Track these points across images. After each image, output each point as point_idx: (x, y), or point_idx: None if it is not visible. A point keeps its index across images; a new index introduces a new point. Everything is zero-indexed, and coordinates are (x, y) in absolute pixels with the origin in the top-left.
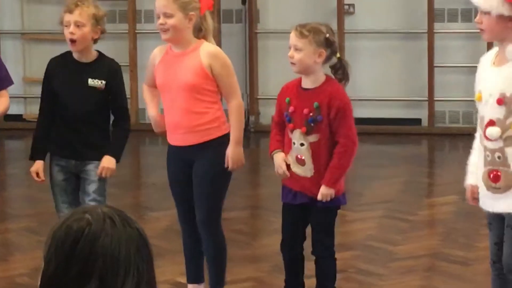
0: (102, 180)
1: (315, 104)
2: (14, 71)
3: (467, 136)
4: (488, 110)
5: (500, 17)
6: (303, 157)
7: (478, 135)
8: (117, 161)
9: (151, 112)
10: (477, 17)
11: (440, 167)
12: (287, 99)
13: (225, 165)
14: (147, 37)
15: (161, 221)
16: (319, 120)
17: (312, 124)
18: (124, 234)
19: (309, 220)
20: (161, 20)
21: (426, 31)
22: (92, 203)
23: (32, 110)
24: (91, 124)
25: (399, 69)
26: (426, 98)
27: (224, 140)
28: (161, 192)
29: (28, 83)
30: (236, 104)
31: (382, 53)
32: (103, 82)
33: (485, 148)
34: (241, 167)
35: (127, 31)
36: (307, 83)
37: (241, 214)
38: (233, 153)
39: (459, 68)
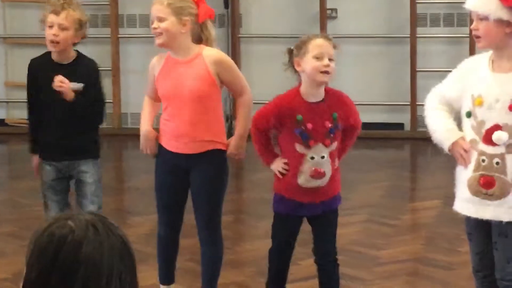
0: (98, 181)
1: (334, 114)
2: None
3: None
4: (494, 115)
5: (499, 22)
6: (323, 170)
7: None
8: (77, 107)
9: (145, 126)
10: (474, 24)
11: (423, 172)
12: (299, 116)
13: (225, 175)
14: (130, 42)
15: (144, 226)
16: (339, 128)
17: (332, 135)
18: (107, 242)
19: (315, 228)
20: (154, 24)
21: (408, 35)
22: (92, 206)
23: (15, 115)
24: (77, 124)
25: (381, 73)
26: (409, 103)
27: (222, 153)
28: (144, 196)
29: (10, 87)
30: (249, 97)
31: (364, 57)
32: (82, 85)
33: (481, 153)
34: (240, 157)
35: (109, 36)
36: (309, 97)
37: (224, 219)
38: (236, 144)
39: (441, 72)
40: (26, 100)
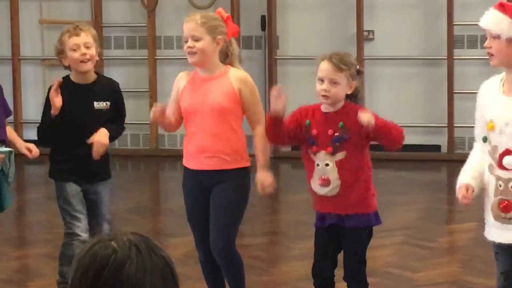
0: (108, 199)
1: (340, 124)
2: (34, 96)
3: None
4: (505, 139)
5: (510, 41)
6: (328, 177)
7: (485, 161)
8: (110, 141)
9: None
10: (487, 42)
11: None
12: (308, 122)
13: (245, 195)
14: (167, 63)
15: (180, 247)
16: (346, 138)
17: (337, 144)
18: (149, 262)
19: (341, 244)
20: (189, 43)
21: (445, 57)
22: (105, 224)
23: None
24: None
25: (418, 95)
26: (446, 125)
27: (244, 171)
28: (180, 218)
29: None
30: (262, 130)
31: (401, 79)
32: (108, 103)
33: (498, 178)
34: (271, 191)
35: (147, 57)
36: (328, 108)
37: (260, 241)
38: (264, 177)
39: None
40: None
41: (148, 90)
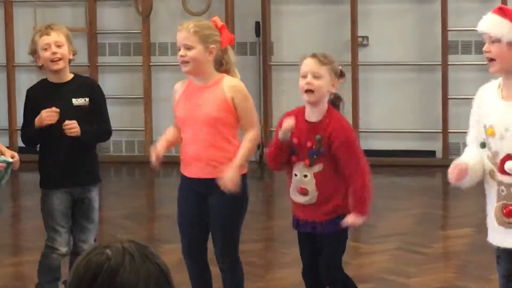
0: (97, 205)
1: (318, 137)
2: None
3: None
4: (505, 144)
5: (511, 44)
6: (306, 187)
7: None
8: (81, 137)
9: (158, 145)
10: (486, 46)
11: (455, 200)
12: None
13: (243, 202)
14: (161, 70)
15: (174, 254)
16: (321, 152)
17: (314, 157)
18: (143, 270)
19: (319, 248)
20: (181, 52)
21: (440, 63)
22: (94, 230)
23: None
24: (83, 145)
25: (413, 101)
26: (440, 130)
27: (242, 178)
28: (175, 224)
29: None
30: (254, 134)
31: (396, 85)
32: (87, 99)
33: (500, 183)
34: (233, 190)
35: (141, 64)
36: (310, 116)
37: (254, 247)
38: (232, 175)
39: (473, 100)
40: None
41: (142, 96)
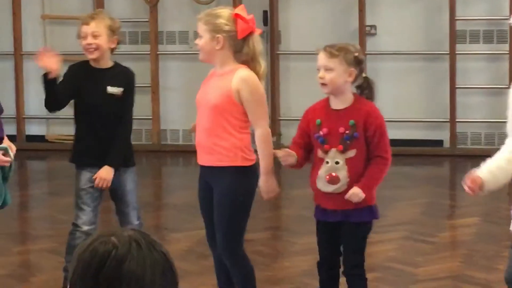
0: (135, 187)
1: (351, 122)
2: (36, 92)
3: (489, 157)
4: None
5: None
6: (337, 175)
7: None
8: (115, 170)
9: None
10: None
11: (462, 189)
12: (318, 121)
13: (241, 196)
14: (169, 59)
15: (181, 243)
16: (356, 136)
17: (348, 142)
18: (149, 258)
19: (342, 239)
20: (196, 40)
21: (448, 52)
22: (133, 212)
23: (55, 131)
24: (114, 131)
25: (420, 90)
26: (448, 120)
27: (244, 170)
28: (182, 213)
29: None
30: (262, 132)
31: (403, 74)
32: (121, 89)
33: None
34: (275, 196)
35: (149, 52)
36: (337, 104)
37: (261, 236)
38: (264, 184)
39: (480, 89)
40: (65, 115)
41: (150, 85)
